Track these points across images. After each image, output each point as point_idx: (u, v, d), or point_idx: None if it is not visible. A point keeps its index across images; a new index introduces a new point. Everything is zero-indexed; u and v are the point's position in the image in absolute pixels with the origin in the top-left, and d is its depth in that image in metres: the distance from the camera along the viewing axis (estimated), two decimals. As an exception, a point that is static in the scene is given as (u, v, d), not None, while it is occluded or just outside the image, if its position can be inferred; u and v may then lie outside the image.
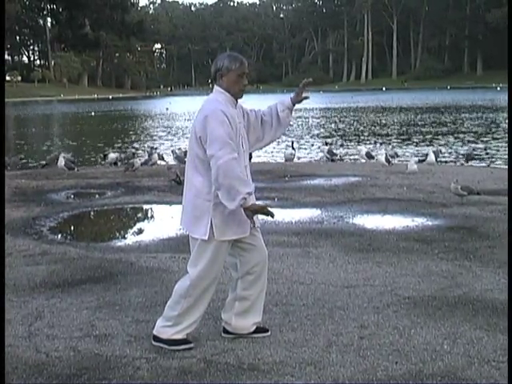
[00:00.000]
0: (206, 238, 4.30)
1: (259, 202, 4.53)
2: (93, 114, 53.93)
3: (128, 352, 4.45)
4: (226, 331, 4.67)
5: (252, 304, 4.59)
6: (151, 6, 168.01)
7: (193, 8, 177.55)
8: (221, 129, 4.16)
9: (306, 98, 4.71)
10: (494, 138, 24.50)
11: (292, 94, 4.69)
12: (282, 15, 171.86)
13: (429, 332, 4.71)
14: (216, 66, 4.39)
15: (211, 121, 4.19)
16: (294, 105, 4.70)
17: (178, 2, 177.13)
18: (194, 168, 4.35)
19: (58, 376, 4.11)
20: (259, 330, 4.68)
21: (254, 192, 4.32)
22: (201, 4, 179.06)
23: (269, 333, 4.68)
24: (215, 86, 4.43)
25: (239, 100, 4.49)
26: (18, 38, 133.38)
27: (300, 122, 36.97)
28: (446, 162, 18.13)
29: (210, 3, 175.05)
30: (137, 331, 4.82)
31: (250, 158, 17.29)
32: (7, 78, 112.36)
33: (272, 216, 4.31)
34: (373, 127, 32.16)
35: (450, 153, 20.50)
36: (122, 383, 4.01)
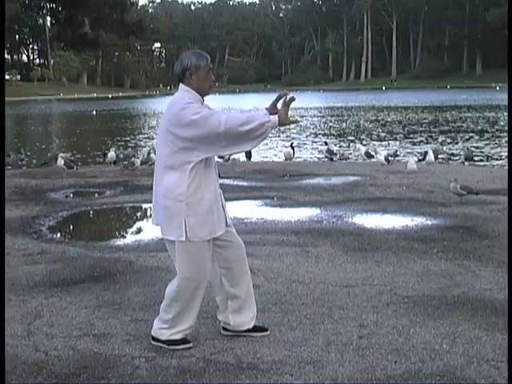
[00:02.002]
0: (183, 239, 4.26)
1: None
2: (94, 113, 53.83)
3: (127, 351, 4.45)
4: (225, 329, 4.67)
5: (244, 299, 4.59)
6: (150, 5, 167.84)
7: (192, 7, 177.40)
8: (200, 111, 4.14)
9: (296, 121, 4.54)
10: (493, 138, 24.51)
11: (268, 105, 4.43)
12: (281, 14, 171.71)
13: (428, 331, 4.71)
14: (183, 66, 4.32)
15: (187, 111, 4.15)
16: None
17: (177, 1, 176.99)
18: (165, 167, 4.29)
19: (57, 375, 4.11)
20: (259, 328, 4.67)
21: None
22: (200, 3, 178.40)
23: (268, 332, 4.68)
24: (181, 86, 4.37)
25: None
26: (17, 37, 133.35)
27: (301, 122, 36.95)
28: (445, 161, 18.12)
29: (209, 2, 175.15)
30: (136, 330, 4.82)
31: (250, 156, 17.41)
32: (6, 77, 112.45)
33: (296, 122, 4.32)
34: (372, 126, 32.15)
35: (449, 152, 20.49)
36: (121, 382, 4.01)
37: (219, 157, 16.48)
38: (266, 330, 4.70)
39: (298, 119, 4.37)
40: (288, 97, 4.24)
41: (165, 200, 4.29)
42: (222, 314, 4.67)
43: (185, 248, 4.30)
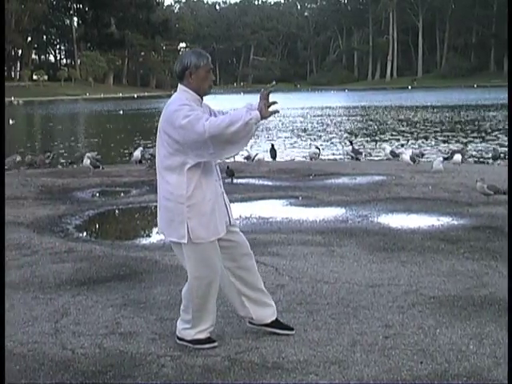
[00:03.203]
0: (185, 241, 4.27)
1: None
2: (121, 112, 54.13)
3: (153, 350, 4.47)
4: (251, 323, 4.68)
5: (258, 294, 4.58)
6: (176, 5, 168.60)
7: (217, 7, 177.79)
8: (189, 115, 4.12)
9: (276, 111, 4.30)
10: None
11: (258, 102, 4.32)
12: (306, 14, 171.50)
13: (454, 332, 4.67)
14: (183, 65, 4.31)
15: (179, 114, 4.14)
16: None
17: (202, 0, 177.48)
18: (163, 168, 4.30)
19: (83, 373, 4.14)
20: (284, 326, 4.67)
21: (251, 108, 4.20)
22: (225, 3, 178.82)
23: (293, 332, 4.67)
24: (179, 86, 4.36)
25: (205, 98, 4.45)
26: (44, 37, 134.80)
27: (327, 121, 36.88)
28: (473, 160, 17.98)
29: (234, 2, 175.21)
30: (161, 329, 4.84)
31: (275, 156, 17.40)
32: (34, 77, 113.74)
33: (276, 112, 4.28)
34: (397, 126, 31.98)
35: (476, 152, 20.33)
36: (146, 381, 4.03)
37: (245, 157, 16.55)
38: (292, 329, 4.69)
39: (278, 109, 4.33)
40: (264, 91, 4.23)
41: (166, 202, 4.30)
42: (241, 311, 4.65)
43: (190, 249, 4.30)
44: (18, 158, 16.65)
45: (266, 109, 4.17)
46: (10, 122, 39.29)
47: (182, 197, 4.23)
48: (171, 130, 4.18)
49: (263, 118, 4.17)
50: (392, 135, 27.03)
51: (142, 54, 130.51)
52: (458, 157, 15.23)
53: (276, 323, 4.66)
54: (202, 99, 4.39)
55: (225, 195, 4.50)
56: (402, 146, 21.18)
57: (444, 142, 23.87)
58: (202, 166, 4.27)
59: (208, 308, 4.44)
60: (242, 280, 4.53)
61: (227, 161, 16.13)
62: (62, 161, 19.67)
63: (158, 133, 4.35)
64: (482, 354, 4.29)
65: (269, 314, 4.63)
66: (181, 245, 4.34)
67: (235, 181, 12.78)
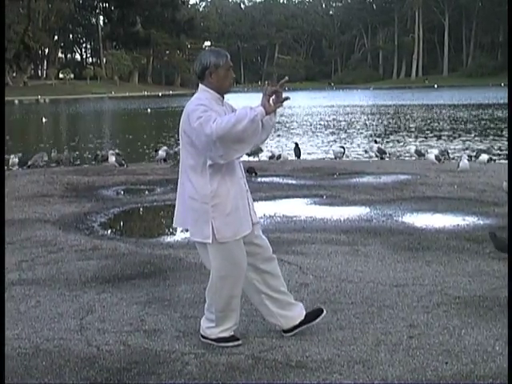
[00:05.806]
0: (210, 241, 4.27)
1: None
2: (149, 110, 54.35)
3: (177, 347, 4.49)
4: (285, 331, 4.62)
5: (284, 296, 4.57)
6: (201, 3, 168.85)
7: (242, 5, 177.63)
8: (201, 116, 4.11)
9: (287, 98, 4.32)
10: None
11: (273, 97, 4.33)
12: (331, 12, 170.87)
13: (480, 333, 4.63)
14: (203, 65, 4.32)
15: (194, 115, 4.15)
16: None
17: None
18: (187, 167, 4.31)
19: (108, 369, 4.17)
20: (315, 313, 4.66)
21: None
22: (250, 1, 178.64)
23: (324, 312, 4.66)
24: (200, 85, 4.37)
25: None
26: (71, 36, 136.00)
27: (352, 119, 36.77)
28: (499, 159, 17.80)
29: (259, 1, 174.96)
30: (185, 327, 4.86)
31: (299, 155, 17.38)
32: (60, 75, 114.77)
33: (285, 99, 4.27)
34: (423, 125, 31.78)
35: (503, 151, 20.13)
36: (170, 378, 4.04)
37: (270, 157, 16.56)
38: (322, 309, 4.68)
39: (282, 105, 4.31)
40: (268, 87, 4.24)
41: (191, 202, 4.30)
42: (270, 318, 4.61)
43: (216, 248, 4.30)
44: (45, 158, 16.85)
45: (269, 104, 4.20)
46: (43, 119, 39.88)
47: (207, 197, 4.24)
48: (190, 131, 4.21)
49: (268, 113, 4.19)
50: (418, 134, 26.86)
51: (167, 52, 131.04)
52: (484, 156, 15.10)
53: (306, 319, 4.62)
54: (222, 98, 4.41)
55: (249, 193, 4.51)
56: (437, 139, 20.97)
57: (470, 140, 23.66)
58: (225, 163, 4.27)
59: (232, 307, 4.44)
60: (265, 284, 4.51)
61: (252, 160, 16.16)
62: (88, 156, 19.81)
63: (180, 133, 4.37)
64: (508, 355, 4.25)
65: (297, 314, 4.60)
66: (205, 245, 4.34)
67: (259, 179, 12.78)
